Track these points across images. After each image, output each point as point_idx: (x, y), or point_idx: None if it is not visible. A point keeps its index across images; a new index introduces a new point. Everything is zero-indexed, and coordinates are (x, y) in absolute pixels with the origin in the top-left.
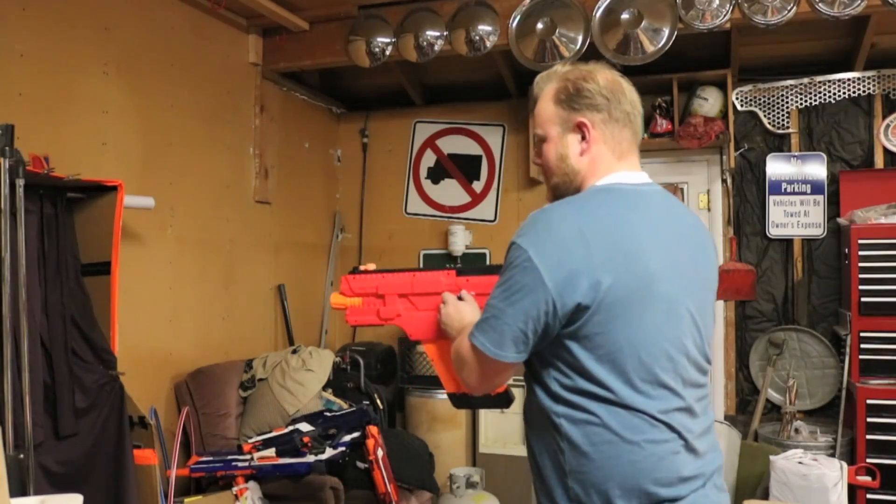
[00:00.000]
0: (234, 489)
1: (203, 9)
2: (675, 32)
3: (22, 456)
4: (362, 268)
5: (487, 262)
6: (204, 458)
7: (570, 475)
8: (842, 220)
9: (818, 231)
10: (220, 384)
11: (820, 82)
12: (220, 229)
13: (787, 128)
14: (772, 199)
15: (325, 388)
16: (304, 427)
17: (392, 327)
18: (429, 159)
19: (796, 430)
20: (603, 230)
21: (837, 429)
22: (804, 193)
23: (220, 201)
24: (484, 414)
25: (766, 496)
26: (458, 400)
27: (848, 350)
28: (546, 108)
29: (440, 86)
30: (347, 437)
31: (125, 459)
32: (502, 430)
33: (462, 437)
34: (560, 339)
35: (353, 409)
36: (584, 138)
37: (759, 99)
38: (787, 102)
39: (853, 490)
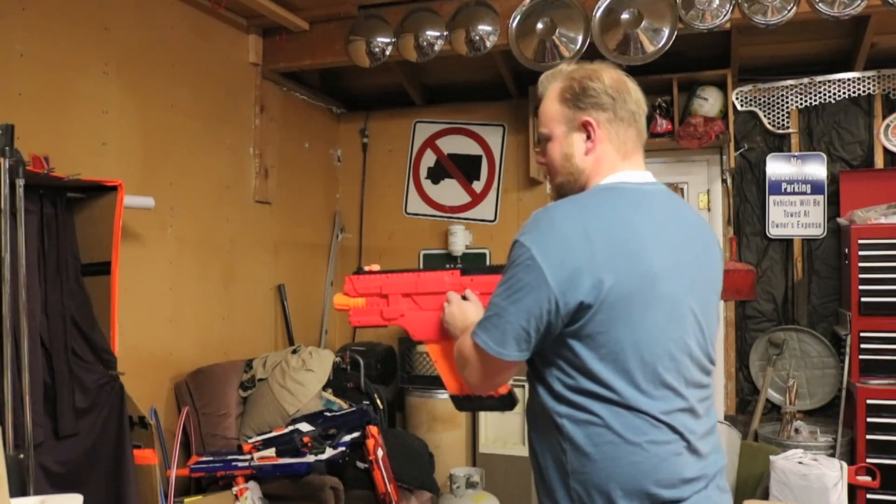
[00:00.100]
0: (234, 489)
1: (203, 9)
2: (675, 32)
3: (22, 456)
4: (367, 268)
5: (487, 262)
6: (204, 458)
7: (571, 475)
8: (842, 220)
9: (818, 231)
10: (220, 384)
11: (820, 82)
12: (220, 229)
13: (787, 128)
14: (772, 199)
15: (325, 388)
16: (304, 427)
17: (393, 327)
18: (429, 159)
19: (796, 430)
20: (606, 229)
21: (837, 429)
22: (804, 193)
23: (220, 201)
24: (484, 414)
25: (766, 496)
26: (461, 402)
27: (848, 350)
28: (551, 106)
29: (440, 86)
30: (347, 437)
31: (125, 459)
32: (502, 430)
33: (462, 437)
34: (563, 338)
35: (353, 409)
36: (589, 137)
37: (759, 99)
38: (787, 102)
39: (853, 490)
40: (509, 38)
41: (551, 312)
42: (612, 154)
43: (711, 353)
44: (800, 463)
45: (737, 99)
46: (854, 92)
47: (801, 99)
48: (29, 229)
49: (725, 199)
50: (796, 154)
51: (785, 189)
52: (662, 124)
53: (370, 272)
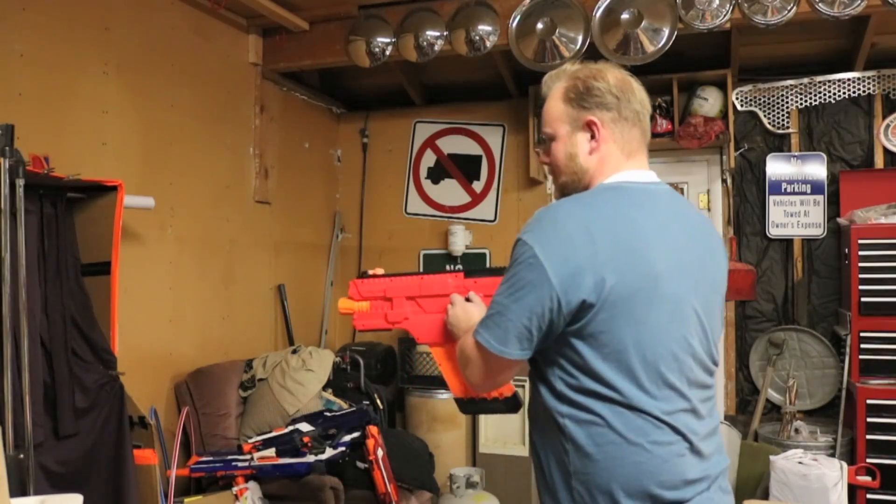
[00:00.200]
0: (234, 489)
1: (203, 9)
2: (675, 32)
3: (22, 456)
4: (371, 272)
5: (487, 262)
6: (204, 458)
7: (574, 476)
8: (842, 220)
9: (818, 231)
10: (220, 384)
11: (820, 82)
12: (220, 229)
13: (787, 128)
14: (772, 199)
15: (325, 388)
16: (304, 427)
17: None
18: (429, 159)
19: (796, 430)
20: (609, 228)
21: (837, 429)
22: (804, 193)
23: (220, 201)
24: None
25: (766, 496)
26: (466, 405)
27: (848, 350)
28: (555, 106)
29: (440, 86)
30: (347, 437)
31: (125, 459)
32: (502, 430)
33: (462, 437)
34: (565, 338)
35: (353, 409)
36: (593, 137)
37: (759, 99)
38: (787, 102)
39: (853, 490)
40: (509, 38)
41: (553, 311)
42: (617, 153)
43: (714, 353)
44: (800, 463)
45: (737, 99)
46: (854, 92)
47: (801, 99)
48: (29, 229)
49: (725, 199)
50: (796, 154)
51: (785, 189)
52: (662, 124)
53: (374, 276)
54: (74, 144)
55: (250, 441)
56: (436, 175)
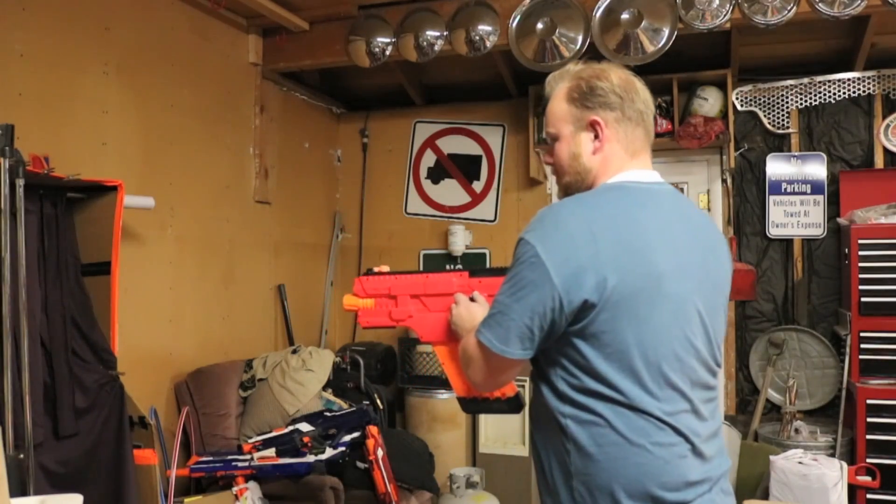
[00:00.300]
0: (234, 489)
1: (203, 9)
2: (675, 32)
3: (22, 456)
4: (376, 269)
5: (487, 262)
6: (204, 458)
7: (575, 476)
8: (842, 220)
9: (818, 231)
10: (220, 384)
11: (820, 82)
12: (220, 229)
13: (787, 128)
14: (772, 199)
15: (325, 388)
16: (304, 427)
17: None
18: (429, 159)
19: (796, 430)
20: (611, 227)
21: (837, 429)
22: (804, 193)
23: (220, 201)
24: (484, 414)
25: (766, 496)
26: (468, 404)
27: (848, 350)
28: (559, 106)
29: (440, 86)
30: (347, 437)
31: (125, 459)
32: (502, 430)
33: (462, 437)
34: (568, 337)
35: (353, 409)
36: (597, 137)
37: (759, 99)
38: (787, 102)
39: (853, 490)
40: (509, 38)
41: (555, 310)
42: (620, 153)
43: (717, 354)
44: (800, 463)
45: (737, 99)
46: (854, 92)
47: (801, 99)
48: (29, 229)
49: (725, 199)
50: (796, 154)
51: (785, 189)
52: (662, 124)
53: (379, 273)
54: (74, 144)
55: (250, 441)
56: (436, 175)
